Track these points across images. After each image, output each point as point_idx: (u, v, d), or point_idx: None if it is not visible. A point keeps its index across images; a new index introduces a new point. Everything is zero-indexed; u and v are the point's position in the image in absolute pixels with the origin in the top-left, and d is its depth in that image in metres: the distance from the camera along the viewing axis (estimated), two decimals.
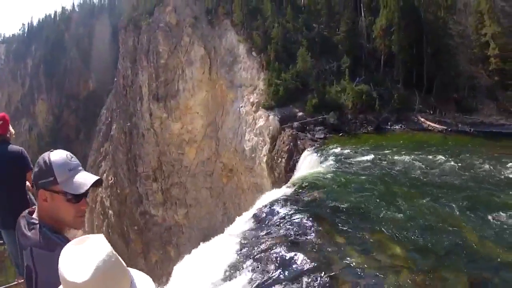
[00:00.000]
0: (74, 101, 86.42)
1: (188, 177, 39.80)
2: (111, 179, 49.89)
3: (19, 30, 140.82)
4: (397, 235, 11.77)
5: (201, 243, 16.86)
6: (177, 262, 37.84)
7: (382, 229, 12.16)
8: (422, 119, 25.74)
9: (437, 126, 24.70)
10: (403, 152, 20.26)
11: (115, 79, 53.64)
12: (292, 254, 11.03)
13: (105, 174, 53.08)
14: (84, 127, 78.28)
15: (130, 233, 46.45)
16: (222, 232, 34.71)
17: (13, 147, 5.58)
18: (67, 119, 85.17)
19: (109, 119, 55.92)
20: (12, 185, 5.34)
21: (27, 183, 5.55)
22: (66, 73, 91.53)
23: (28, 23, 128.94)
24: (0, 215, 5.48)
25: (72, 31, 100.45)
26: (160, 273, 43.77)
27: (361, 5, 32.69)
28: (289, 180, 22.95)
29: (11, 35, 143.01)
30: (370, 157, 19.95)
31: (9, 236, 5.62)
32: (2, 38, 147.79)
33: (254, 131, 31.22)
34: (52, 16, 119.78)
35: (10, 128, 5.78)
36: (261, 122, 30.53)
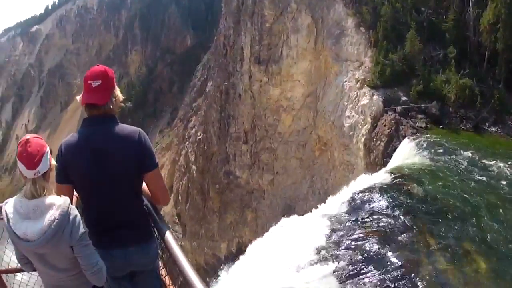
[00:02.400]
0: (169, 55, 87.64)
1: (280, 144, 39.62)
2: (200, 135, 50.56)
3: None
4: (486, 249, 11.42)
5: (283, 218, 16.80)
6: (252, 227, 38.15)
7: (474, 239, 11.86)
8: None
9: None
10: (501, 160, 19.18)
11: (215, 38, 53.84)
12: (382, 249, 10.77)
13: (194, 129, 53.88)
14: (178, 81, 79.21)
15: (210, 191, 47.13)
16: (306, 205, 34.86)
17: (127, 128, 3.70)
18: (161, 72, 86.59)
19: (205, 76, 56.48)
20: (126, 192, 3.76)
21: (144, 185, 3.93)
22: (163, 28, 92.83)
23: None
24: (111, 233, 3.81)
25: None
26: (233, 234, 44.56)
27: None
28: (384, 165, 22.58)
29: None
30: (470, 157, 19.27)
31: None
32: None
33: (356, 108, 30.49)
34: None
35: (117, 92, 3.84)
36: (364, 101, 29.75)
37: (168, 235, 3.52)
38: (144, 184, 3.93)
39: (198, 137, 50.76)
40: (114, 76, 3.85)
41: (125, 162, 3.62)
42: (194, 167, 50.96)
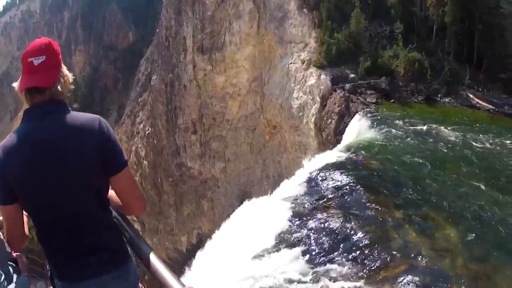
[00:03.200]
0: (112, 52, 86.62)
1: (229, 131, 39.39)
2: (148, 130, 49.78)
3: None
4: (452, 216, 11.42)
5: (240, 205, 16.59)
6: (210, 217, 38.00)
7: (438, 206, 11.89)
8: (471, 96, 25.21)
9: (486, 104, 24.19)
10: (454, 128, 19.94)
11: (157, 30, 53.01)
12: (349, 226, 10.56)
13: (142, 125, 53.05)
14: (122, 78, 78.19)
15: (164, 185, 46.52)
16: (261, 189, 34.71)
17: (83, 116, 2.68)
18: (105, 70, 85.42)
19: (149, 70, 55.56)
20: (89, 202, 2.69)
21: (111, 192, 2.89)
22: (104, 25, 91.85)
23: None
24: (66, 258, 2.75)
25: None
26: (192, 226, 44.17)
27: None
28: (337, 143, 22.70)
29: None
30: (422, 128, 19.79)
31: None
32: None
33: (304, 89, 30.53)
34: None
35: (65, 71, 2.83)
36: (312, 81, 29.83)
37: (152, 257, 2.68)
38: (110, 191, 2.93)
39: (147, 132, 49.96)
40: (60, 51, 2.88)
41: (83, 160, 2.57)
42: (145, 162, 50.13)
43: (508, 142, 18.37)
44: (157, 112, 47.08)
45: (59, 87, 2.69)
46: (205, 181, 42.09)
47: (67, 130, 2.57)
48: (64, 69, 2.81)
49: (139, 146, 52.11)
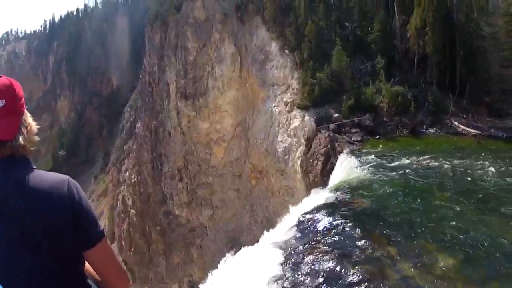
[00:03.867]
0: (97, 98, 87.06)
1: (215, 178, 38.81)
2: (134, 178, 49.15)
3: (41, 26, 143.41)
4: (447, 245, 11.05)
5: (228, 253, 16.07)
6: (200, 264, 37.49)
7: (433, 238, 11.50)
8: (456, 123, 25.05)
9: (471, 130, 24.08)
10: (441, 158, 19.70)
11: (140, 76, 53.12)
12: (342, 266, 10.21)
13: (128, 173, 52.50)
14: (107, 124, 78.54)
15: (152, 233, 45.72)
16: (250, 234, 34.19)
17: (50, 177, 2.22)
18: (89, 116, 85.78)
19: (133, 117, 55.48)
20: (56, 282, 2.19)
21: (87, 265, 2.41)
22: (89, 70, 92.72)
23: (50, 20, 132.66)
24: None
25: (95, 28, 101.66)
26: (182, 274, 43.33)
27: (394, 4, 31.59)
28: (325, 184, 22.29)
29: (32, 32, 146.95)
30: (409, 162, 19.42)
31: None
32: (23, 34, 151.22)
33: (288, 132, 30.18)
34: (75, 13, 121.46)
35: (29, 119, 2.36)
36: (296, 123, 29.47)
37: None
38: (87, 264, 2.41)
39: (133, 180, 49.27)
40: (23, 94, 2.40)
41: (47, 232, 2.09)
42: (132, 210, 49.31)
43: (495, 164, 18.22)
44: (142, 160, 46.58)
45: (21, 140, 2.19)
46: (194, 228, 41.33)
47: (29, 194, 2.08)
48: (28, 116, 2.33)
49: (126, 194, 51.47)
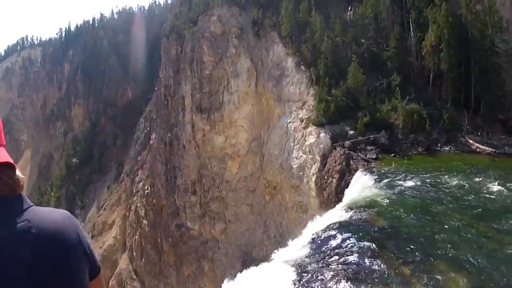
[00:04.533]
0: (111, 107, 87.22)
1: (229, 192, 38.88)
2: (148, 189, 49.34)
3: (56, 34, 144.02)
4: (461, 265, 11.10)
5: (240, 271, 16.08)
6: (211, 277, 37.45)
7: (446, 258, 11.54)
8: (471, 141, 25.06)
9: (486, 148, 24.13)
10: (457, 176, 19.67)
11: (156, 88, 53.43)
12: (354, 287, 10.21)
13: (141, 183, 52.63)
14: (121, 134, 78.70)
15: (163, 244, 45.76)
16: (262, 250, 34.09)
17: (56, 213, 1.97)
18: (104, 126, 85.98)
19: (148, 128, 55.71)
20: None
21: None
22: (104, 80, 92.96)
23: (66, 28, 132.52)
24: None
25: (110, 38, 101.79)
26: (192, 287, 43.19)
27: (409, 21, 31.58)
28: (339, 201, 22.20)
29: (47, 39, 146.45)
30: (424, 180, 19.36)
31: None
32: (38, 41, 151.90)
33: (303, 148, 30.23)
34: (91, 22, 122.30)
35: (5, 157, 1.89)
36: (311, 139, 29.51)
37: None
38: None
39: (146, 191, 49.45)
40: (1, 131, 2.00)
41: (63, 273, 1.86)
42: (145, 221, 49.46)
43: (508, 183, 18.10)
44: (156, 172, 46.75)
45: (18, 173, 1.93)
46: (206, 241, 41.32)
47: (23, 235, 1.75)
48: (7, 156, 1.91)
49: (139, 205, 51.63)
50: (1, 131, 1.95)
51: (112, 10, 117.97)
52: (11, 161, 1.78)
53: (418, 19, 31.04)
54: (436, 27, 27.87)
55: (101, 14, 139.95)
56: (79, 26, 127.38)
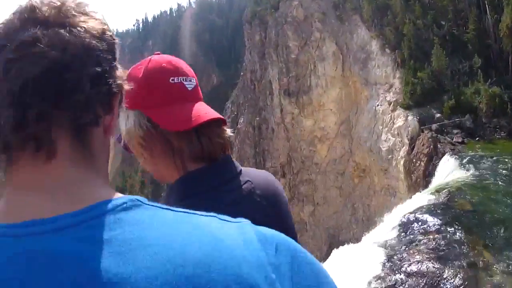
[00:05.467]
0: None
1: (318, 175, 39.45)
2: None
3: (133, 25, 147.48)
4: None
5: (331, 246, 16.64)
6: None
7: None
8: None
9: None
10: None
11: (241, 74, 54.43)
12: (441, 269, 10.52)
13: None
14: None
15: None
16: (349, 233, 34.46)
17: (260, 173, 1.54)
18: None
19: (236, 113, 56.91)
20: None
21: None
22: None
23: (143, 19, 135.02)
24: None
25: (190, 27, 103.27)
26: None
27: (485, 2, 30.43)
28: (426, 185, 22.24)
29: (124, 31, 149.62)
30: (510, 165, 18.85)
31: None
32: (115, 33, 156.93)
33: (392, 131, 30.26)
34: (168, 12, 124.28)
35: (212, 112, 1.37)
36: (399, 122, 29.52)
37: None
38: None
39: None
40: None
41: None
42: None
43: None
44: (245, 155, 47.86)
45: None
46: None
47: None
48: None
49: None
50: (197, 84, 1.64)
51: (189, 0, 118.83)
52: (221, 116, 1.41)
53: (493, 0, 30.15)
54: (511, 8, 26.80)
55: (178, 4, 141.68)
56: (156, 16, 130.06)
